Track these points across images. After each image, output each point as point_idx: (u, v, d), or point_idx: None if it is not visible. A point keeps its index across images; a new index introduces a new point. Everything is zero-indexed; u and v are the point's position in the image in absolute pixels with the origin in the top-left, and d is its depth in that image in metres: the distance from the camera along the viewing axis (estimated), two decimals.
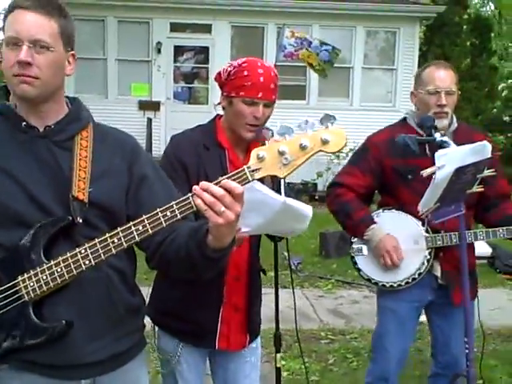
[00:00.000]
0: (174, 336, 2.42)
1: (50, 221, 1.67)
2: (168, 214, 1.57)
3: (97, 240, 1.61)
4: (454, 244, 2.83)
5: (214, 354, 2.52)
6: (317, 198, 11.23)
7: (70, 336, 1.67)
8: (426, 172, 2.45)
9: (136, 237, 1.59)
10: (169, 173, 2.21)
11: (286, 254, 2.82)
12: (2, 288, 1.66)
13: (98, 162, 1.77)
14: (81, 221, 1.68)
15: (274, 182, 2.17)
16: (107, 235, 1.61)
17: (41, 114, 1.74)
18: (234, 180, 1.54)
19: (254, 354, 2.56)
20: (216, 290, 2.35)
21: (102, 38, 13.18)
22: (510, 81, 16.91)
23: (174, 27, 13.44)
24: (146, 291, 2.01)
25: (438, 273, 2.90)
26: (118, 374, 1.81)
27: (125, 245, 1.60)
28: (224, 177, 1.55)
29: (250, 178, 1.54)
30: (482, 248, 7.62)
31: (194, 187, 1.54)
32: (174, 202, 1.57)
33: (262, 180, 1.63)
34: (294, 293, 2.76)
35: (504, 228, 2.85)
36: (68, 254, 1.62)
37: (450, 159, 2.39)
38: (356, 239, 2.96)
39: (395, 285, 2.89)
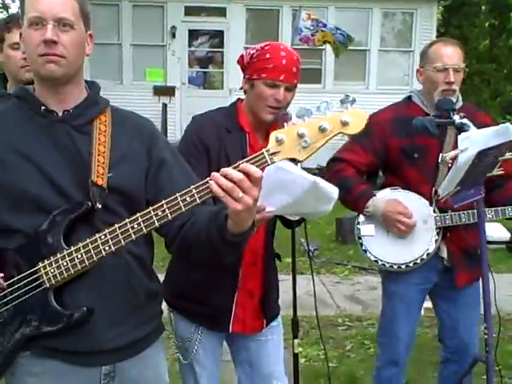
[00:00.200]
0: (190, 319, 2.43)
1: (69, 207, 1.67)
2: (187, 198, 1.56)
3: (116, 225, 1.61)
4: (463, 223, 2.82)
5: (232, 337, 2.53)
6: None
7: (90, 322, 1.68)
8: (449, 155, 2.43)
9: (155, 222, 1.59)
10: (190, 151, 2.23)
11: (302, 240, 2.80)
12: (23, 275, 1.67)
13: (116, 147, 1.76)
14: (100, 206, 1.68)
15: None
16: (127, 220, 1.61)
17: (60, 97, 1.74)
18: (252, 164, 1.52)
19: (275, 333, 2.55)
20: (231, 275, 2.35)
21: (116, 23, 13.16)
22: None
23: (189, 11, 13.38)
24: (162, 277, 2.01)
25: (445, 254, 2.88)
26: (138, 360, 1.82)
27: (144, 230, 1.60)
28: (243, 160, 1.53)
29: (269, 162, 1.52)
30: (501, 233, 7.58)
31: (213, 173, 1.53)
32: (193, 187, 1.56)
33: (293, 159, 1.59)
34: (313, 279, 2.74)
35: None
36: (88, 240, 1.63)
37: (473, 142, 2.35)
38: (362, 220, 2.91)
39: (403, 266, 2.85)
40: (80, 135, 1.74)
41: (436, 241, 2.83)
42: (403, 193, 2.86)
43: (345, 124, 1.49)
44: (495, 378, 2.54)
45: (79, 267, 1.63)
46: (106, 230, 1.62)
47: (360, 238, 2.91)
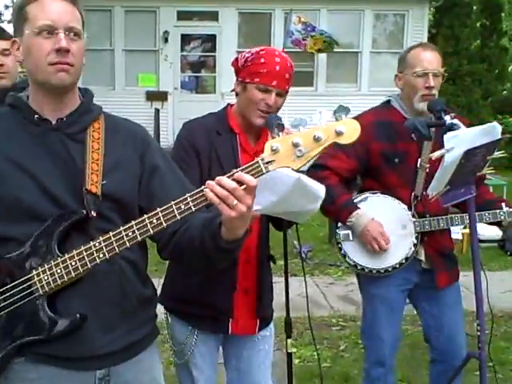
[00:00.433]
0: (188, 323, 2.44)
1: (63, 214, 1.68)
2: (182, 206, 1.58)
3: (111, 233, 1.62)
4: (441, 228, 2.85)
5: (226, 343, 2.55)
6: None
7: (84, 329, 1.69)
8: (434, 155, 2.42)
9: (150, 230, 1.60)
10: (182, 157, 2.25)
11: (295, 242, 2.82)
12: (17, 282, 1.68)
13: (110, 154, 1.77)
14: (95, 214, 1.69)
15: None
16: (121, 228, 1.62)
17: (57, 106, 1.75)
18: (247, 172, 1.54)
19: (267, 343, 2.58)
20: (230, 274, 2.37)
21: (108, 29, 13.17)
22: None
23: (181, 15, 13.40)
24: (157, 283, 2.03)
25: (423, 257, 2.89)
26: (132, 363, 1.83)
27: (139, 238, 1.62)
28: (238, 169, 1.55)
29: (264, 171, 1.54)
30: (493, 231, 7.60)
31: (208, 182, 1.55)
32: (188, 195, 1.58)
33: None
34: (305, 280, 2.77)
35: (489, 212, 2.84)
36: (82, 248, 1.64)
37: (460, 141, 2.36)
38: (342, 224, 2.89)
39: (382, 270, 2.85)
40: (74, 143, 1.75)
41: (415, 245, 2.84)
42: (382, 197, 2.86)
43: (339, 134, 1.52)
44: (488, 373, 2.55)
45: (73, 274, 1.65)
46: (101, 238, 1.63)
47: (339, 243, 2.90)
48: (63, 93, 1.74)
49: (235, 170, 1.55)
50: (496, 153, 2.48)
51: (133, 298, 1.80)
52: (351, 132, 1.52)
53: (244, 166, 1.56)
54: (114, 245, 1.62)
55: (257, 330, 2.50)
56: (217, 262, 1.77)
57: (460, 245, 6.51)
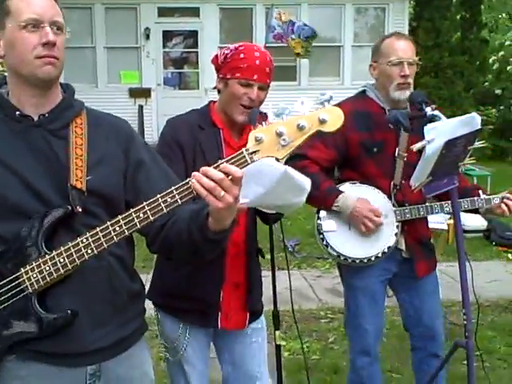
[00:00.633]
0: (178, 318, 2.44)
1: (49, 211, 1.67)
2: (168, 199, 1.58)
3: (98, 229, 1.62)
4: (422, 217, 2.88)
5: (218, 337, 2.55)
6: None
7: (74, 325, 1.69)
8: (416, 146, 2.43)
9: (137, 224, 1.60)
10: (165, 153, 2.24)
11: (281, 235, 2.82)
12: (5, 281, 1.68)
13: (93, 149, 1.77)
14: (80, 210, 1.68)
15: None
16: (108, 223, 1.62)
17: (41, 101, 1.74)
18: (232, 163, 1.54)
19: (260, 335, 2.58)
20: (218, 268, 2.37)
21: (89, 26, 13.07)
22: (500, 53, 16.84)
23: (162, 12, 13.34)
24: (144, 279, 2.03)
25: (403, 246, 2.91)
26: (123, 358, 1.84)
27: (126, 232, 1.62)
28: (223, 160, 1.55)
29: (249, 161, 1.55)
30: (478, 221, 7.67)
31: (194, 173, 1.55)
32: (173, 188, 1.58)
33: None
34: (289, 273, 2.77)
35: (467, 199, 2.86)
36: (70, 244, 1.63)
37: (440, 132, 2.37)
38: (323, 215, 2.89)
39: (365, 260, 2.85)
40: (56, 139, 1.74)
41: (396, 234, 2.85)
42: (363, 187, 2.86)
43: (322, 122, 1.52)
44: (476, 362, 2.58)
45: (62, 271, 1.64)
46: (88, 234, 1.63)
47: (321, 234, 2.90)
48: (47, 87, 1.73)
49: (220, 161, 1.55)
50: (476, 143, 2.50)
51: (122, 293, 1.80)
52: (334, 119, 1.53)
53: (229, 157, 1.56)
54: (102, 240, 1.62)
55: (247, 323, 2.51)
56: (205, 253, 1.77)
57: (446, 235, 6.56)
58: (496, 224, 7.63)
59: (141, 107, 12.89)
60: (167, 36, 13.64)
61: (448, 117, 2.53)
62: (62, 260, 1.63)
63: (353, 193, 2.84)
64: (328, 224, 2.88)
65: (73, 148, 1.73)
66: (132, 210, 1.60)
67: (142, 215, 1.59)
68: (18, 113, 1.73)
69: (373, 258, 2.86)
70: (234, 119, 2.37)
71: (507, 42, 18.19)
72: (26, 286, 1.66)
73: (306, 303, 5.38)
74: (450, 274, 5.41)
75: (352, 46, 13.82)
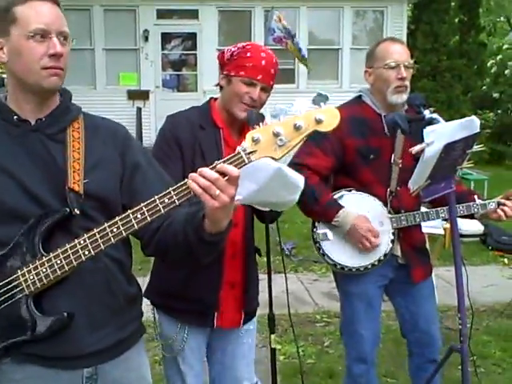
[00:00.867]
0: (175, 318, 2.45)
1: (47, 214, 1.68)
2: (166, 200, 1.58)
3: (96, 230, 1.62)
4: (417, 223, 2.88)
5: (212, 337, 2.56)
6: None
7: (71, 327, 1.69)
8: (415, 149, 2.43)
9: (135, 225, 1.60)
10: (164, 150, 2.25)
11: (278, 238, 2.82)
12: (2, 283, 1.68)
13: (91, 153, 1.77)
14: (78, 212, 1.69)
15: None
16: (106, 225, 1.62)
17: (40, 106, 1.75)
18: (230, 163, 1.55)
19: (251, 337, 2.61)
20: (216, 268, 2.38)
21: (88, 28, 13.09)
22: (498, 57, 16.87)
23: (161, 14, 13.36)
24: (141, 281, 2.04)
25: (399, 253, 2.91)
26: (120, 361, 1.84)
27: (124, 233, 1.62)
28: (220, 161, 1.56)
29: (247, 161, 1.55)
30: (474, 226, 7.67)
31: (190, 174, 1.56)
32: (171, 189, 1.58)
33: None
34: (285, 276, 2.79)
35: (463, 205, 2.86)
36: (67, 246, 1.64)
37: (439, 135, 2.37)
38: (319, 224, 2.89)
39: (362, 268, 2.85)
40: (54, 143, 1.75)
41: (392, 241, 2.86)
42: (358, 194, 2.86)
43: (319, 122, 1.53)
44: (470, 367, 2.59)
45: (59, 273, 1.65)
46: (85, 235, 1.63)
47: (317, 243, 2.90)
48: (52, 95, 1.75)
49: (217, 162, 1.56)
50: (475, 146, 2.50)
51: (119, 296, 1.81)
52: (331, 119, 1.54)
53: (226, 158, 1.56)
54: (99, 241, 1.62)
55: (241, 323, 2.52)
56: (201, 255, 1.77)
57: (442, 239, 6.56)
58: (492, 228, 7.63)
59: (139, 109, 12.90)
60: (166, 38, 13.65)
61: (446, 120, 2.53)
62: (59, 262, 1.64)
63: (352, 206, 2.82)
64: (323, 232, 2.88)
65: (70, 152, 1.74)
66: (130, 211, 1.61)
67: (139, 216, 1.60)
68: (15, 117, 1.74)
69: (369, 266, 2.86)
70: (235, 115, 2.37)
71: (505, 46, 18.24)
72: (23, 288, 1.66)
73: (302, 307, 5.38)
74: (447, 278, 5.42)
75: (350, 48, 13.85)
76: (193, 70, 13.82)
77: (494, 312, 5.29)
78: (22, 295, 1.67)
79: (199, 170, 1.55)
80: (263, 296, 2.63)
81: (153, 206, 1.59)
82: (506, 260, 6.98)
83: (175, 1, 13.01)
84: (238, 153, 1.55)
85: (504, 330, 4.87)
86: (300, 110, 1.54)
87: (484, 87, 16.49)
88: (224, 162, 1.55)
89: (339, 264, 2.87)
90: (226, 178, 1.54)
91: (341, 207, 2.81)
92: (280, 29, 9.63)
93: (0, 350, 1.69)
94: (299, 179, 2.19)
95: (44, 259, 1.65)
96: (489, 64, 16.79)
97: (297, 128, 1.53)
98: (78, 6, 12.59)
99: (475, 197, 2.92)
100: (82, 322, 1.71)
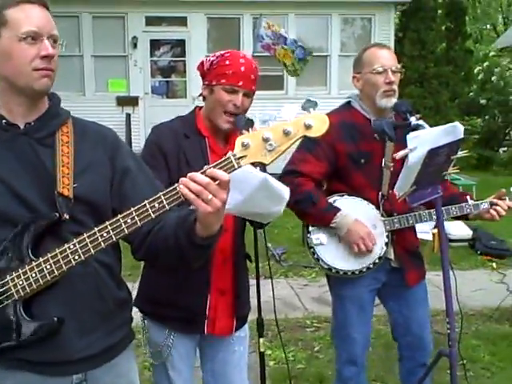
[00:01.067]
0: (164, 325, 2.45)
1: (36, 218, 1.68)
2: (156, 205, 1.58)
3: (85, 235, 1.62)
4: (410, 225, 2.89)
5: (203, 344, 2.56)
6: None
7: (61, 333, 1.68)
8: (398, 155, 2.46)
9: (125, 229, 1.60)
10: (149, 160, 2.24)
11: (270, 245, 2.83)
12: None
13: (80, 157, 1.77)
14: (67, 217, 1.69)
15: None
16: (96, 229, 1.62)
17: (29, 110, 1.75)
18: (220, 168, 1.56)
19: (242, 344, 2.60)
20: (204, 275, 2.38)
21: (77, 35, 13.03)
22: (485, 64, 17.01)
23: (150, 21, 13.36)
24: (131, 287, 2.03)
25: (392, 256, 2.92)
26: (109, 367, 1.83)
27: (114, 238, 1.62)
28: (210, 165, 1.56)
29: (236, 166, 1.56)
30: (463, 230, 7.72)
31: (181, 178, 1.56)
32: (161, 193, 1.58)
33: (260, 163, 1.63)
34: (272, 282, 2.80)
35: (456, 206, 2.89)
36: (57, 250, 1.63)
37: (423, 141, 2.39)
38: (312, 229, 2.90)
39: (357, 272, 2.87)
40: (43, 148, 1.75)
41: (386, 244, 2.87)
42: (350, 199, 2.87)
43: (308, 127, 1.54)
44: (459, 371, 2.60)
45: (48, 278, 1.64)
46: (75, 240, 1.63)
47: (311, 248, 2.90)
48: (39, 98, 1.75)
49: (207, 167, 1.56)
50: (460, 152, 2.52)
51: (109, 301, 1.81)
52: (320, 125, 1.54)
53: (216, 163, 1.57)
54: (89, 246, 1.62)
55: (233, 329, 2.52)
56: (192, 259, 1.78)
57: (431, 244, 6.59)
58: (481, 233, 7.68)
59: (128, 115, 12.87)
60: (155, 45, 13.65)
61: (433, 126, 2.55)
62: (48, 267, 1.63)
63: (348, 209, 2.83)
64: (317, 237, 2.88)
65: (59, 156, 1.74)
66: (119, 216, 1.61)
67: (129, 221, 1.60)
68: (4, 121, 1.73)
69: (364, 270, 2.87)
70: (218, 126, 2.38)
71: (492, 53, 18.40)
72: (12, 293, 1.66)
73: (292, 312, 5.39)
74: (436, 282, 5.39)
75: (339, 55, 13.90)
76: (182, 76, 13.83)
77: (483, 316, 5.32)
78: (11, 300, 1.66)
79: (190, 174, 1.55)
80: (252, 301, 2.64)
81: (143, 210, 1.59)
82: (494, 264, 7.01)
83: (164, 8, 13.02)
84: (228, 158, 1.56)
85: (493, 334, 4.90)
86: (289, 115, 1.55)
87: (471, 94, 16.61)
88: (214, 166, 1.56)
89: (334, 268, 2.88)
90: (217, 182, 1.55)
91: (338, 210, 2.83)
92: (269, 35, 9.64)
93: None
94: (284, 190, 2.20)
95: (33, 264, 1.65)
96: (475, 71, 16.91)
97: (286, 133, 1.53)
98: (66, 12, 12.53)
99: (467, 197, 2.94)
100: (71, 327, 1.71)
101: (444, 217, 2.85)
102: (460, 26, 16.77)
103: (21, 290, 1.65)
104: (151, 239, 1.80)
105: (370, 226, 2.84)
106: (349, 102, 2.97)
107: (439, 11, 16.32)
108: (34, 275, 1.64)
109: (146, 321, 2.50)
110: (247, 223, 2.52)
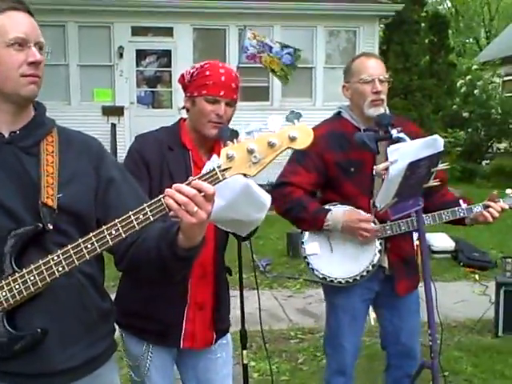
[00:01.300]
0: (139, 338, 2.44)
1: (20, 229, 1.67)
2: (141, 216, 1.58)
3: (70, 246, 1.61)
4: (403, 232, 2.89)
5: (181, 355, 2.54)
6: None
7: (44, 344, 1.67)
8: (378, 168, 2.49)
9: (109, 241, 1.60)
10: (131, 169, 2.23)
11: (255, 256, 2.83)
12: None
13: (64, 167, 1.77)
14: (51, 227, 1.68)
15: None
16: (80, 240, 1.61)
17: (15, 118, 1.74)
18: (204, 180, 1.56)
19: (225, 350, 2.58)
20: (180, 289, 2.37)
21: (62, 44, 13.01)
22: (468, 77, 17.19)
23: (136, 31, 13.37)
24: (113, 298, 2.03)
25: (386, 264, 2.94)
26: (92, 378, 1.82)
27: (98, 249, 1.61)
28: (195, 177, 1.57)
29: (221, 178, 1.56)
30: (446, 242, 7.77)
31: (166, 190, 1.56)
32: (146, 205, 1.58)
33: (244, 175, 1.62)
34: (258, 292, 2.81)
35: (448, 210, 2.90)
36: (40, 262, 1.62)
37: (403, 154, 2.42)
38: (306, 239, 2.92)
39: (351, 280, 2.88)
40: (28, 157, 1.74)
41: (380, 251, 2.88)
42: (342, 208, 2.89)
43: (292, 139, 1.54)
44: (442, 383, 2.62)
45: (32, 289, 1.63)
46: (59, 251, 1.62)
47: (306, 258, 2.93)
48: (25, 105, 1.75)
49: (192, 178, 1.56)
50: (440, 165, 2.55)
51: (93, 312, 1.80)
52: (304, 137, 1.55)
53: (201, 174, 1.57)
54: (73, 257, 1.61)
55: (213, 342, 2.51)
56: (174, 271, 1.78)
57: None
58: (463, 245, 7.73)
59: (113, 125, 12.84)
60: (141, 55, 13.66)
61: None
62: (32, 278, 1.63)
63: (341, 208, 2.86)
64: (311, 247, 2.91)
65: (44, 166, 1.73)
66: (104, 227, 1.60)
67: (114, 232, 1.59)
68: None
69: (358, 278, 2.88)
70: (205, 134, 2.38)
71: (474, 66, 18.58)
72: None
73: (276, 323, 5.38)
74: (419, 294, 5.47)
75: (324, 67, 14.01)
76: (168, 86, 13.84)
77: (465, 328, 5.35)
78: None
79: (175, 185, 1.56)
80: (236, 312, 2.63)
81: (127, 222, 1.59)
82: (476, 276, 7.05)
83: (150, 18, 13.05)
84: (213, 169, 1.56)
85: (475, 345, 4.92)
86: (275, 126, 1.55)
87: (454, 106, 16.77)
88: (199, 178, 1.56)
89: (328, 277, 2.90)
90: (202, 194, 1.55)
91: (328, 210, 2.85)
92: (253, 45, 9.67)
93: None
94: (266, 198, 2.21)
95: (17, 275, 1.63)
96: (458, 84, 17.08)
97: (271, 145, 1.54)
98: (52, 22, 12.51)
99: (461, 201, 2.94)
100: (54, 339, 1.70)
101: (437, 222, 2.89)
102: (443, 39, 16.94)
103: (4, 302, 1.64)
104: (134, 251, 1.80)
105: None
106: (339, 113, 3.01)
107: (422, 24, 16.49)
108: (17, 287, 1.63)
109: (123, 334, 2.49)
110: (231, 235, 2.52)
